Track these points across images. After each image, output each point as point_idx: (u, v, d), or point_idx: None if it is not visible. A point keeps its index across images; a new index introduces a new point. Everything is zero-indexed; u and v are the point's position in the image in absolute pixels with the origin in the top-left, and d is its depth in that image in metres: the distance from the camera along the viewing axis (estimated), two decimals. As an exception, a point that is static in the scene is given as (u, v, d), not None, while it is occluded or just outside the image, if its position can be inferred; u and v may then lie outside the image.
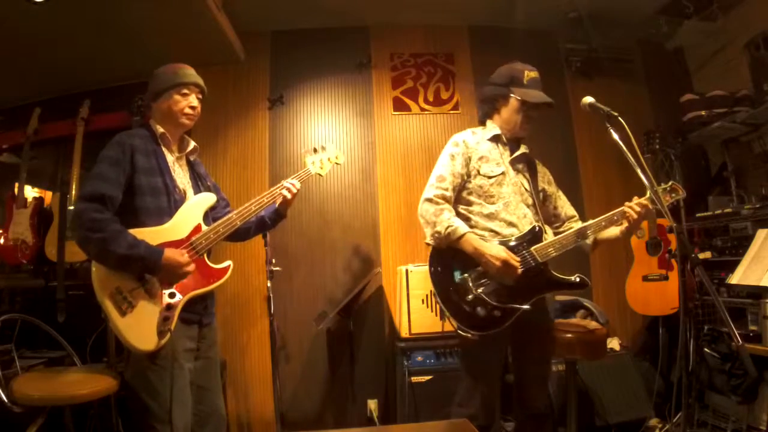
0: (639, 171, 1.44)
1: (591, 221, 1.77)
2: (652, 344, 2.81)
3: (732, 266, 2.38)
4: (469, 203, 1.80)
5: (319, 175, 1.96)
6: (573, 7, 3.05)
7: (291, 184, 1.80)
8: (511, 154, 1.85)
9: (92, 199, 1.43)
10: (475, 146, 1.83)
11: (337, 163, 2.02)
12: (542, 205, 1.89)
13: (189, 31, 2.67)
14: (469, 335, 1.63)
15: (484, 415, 1.66)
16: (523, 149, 1.87)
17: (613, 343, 2.71)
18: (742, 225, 2.55)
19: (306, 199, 3.05)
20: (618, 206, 1.67)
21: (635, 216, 1.69)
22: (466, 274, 1.68)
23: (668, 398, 2.50)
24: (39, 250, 2.80)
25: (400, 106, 3.23)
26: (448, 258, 1.71)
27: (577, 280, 1.72)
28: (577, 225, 1.89)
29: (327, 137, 3.17)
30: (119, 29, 2.60)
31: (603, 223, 1.75)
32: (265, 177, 3.09)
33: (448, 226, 1.67)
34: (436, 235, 1.69)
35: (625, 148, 1.47)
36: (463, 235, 1.66)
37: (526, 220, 1.78)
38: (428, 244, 1.75)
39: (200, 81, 1.69)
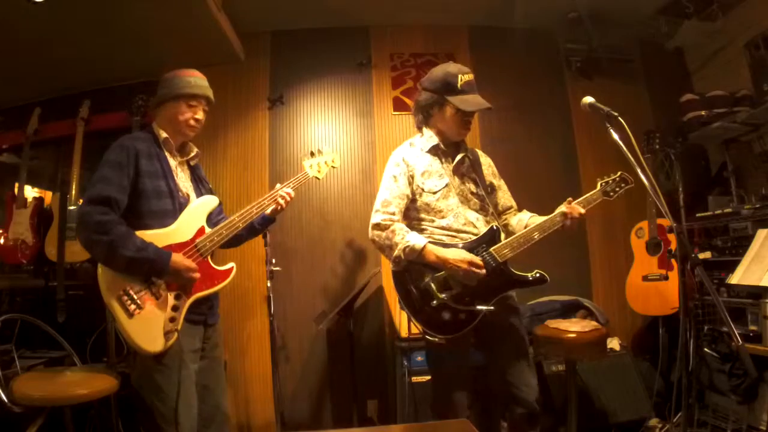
0: (639, 171, 1.45)
1: (537, 222, 1.76)
2: (652, 344, 2.80)
3: (732, 266, 2.38)
4: (421, 219, 1.82)
5: (317, 178, 1.97)
6: (573, 7, 3.05)
7: (287, 193, 1.81)
8: (452, 161, 1.85)
9: (97, 201, 1.43)
10: (416, 162, 1.82)
11: (333, 167, 2.02)
12: (491, 199, 1.90)
13: (189, 31, 2.67)
14: (437, 339, 1.66)
15: (453, 415, 1.69)
16: (461, 154, 1.86)
17: (613, 343, 2.71)
18: (742, 225, 2.55)
19: (306, 199, 3.05)
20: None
21: (576, 218, 1.72)
22: (428, 281, 1.69)
23: (668, 398, 2.50)
24: (39, 250, 2.80)
25: (400, 106, 3.23)
26: (410, 269, 1.72)
27: (537, 276, 1.73)
28: (513, 217, 1.93)
29: (327, 137, 3.17)
30: (119, 29, 2.60)
31: (548, 225, 1.74)
32: (265, 177, 3.09)
33: (405, 247, 1.67)
34: (396, 260, 1.70)
35: (625, 148, 1.47)
36: (423, 248, 1.66)
37: (479, 222, 1.81)
38: (395, 271, 1.75)
39: (209, 93, 1.70)
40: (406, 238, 1.68)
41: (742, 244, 2.47)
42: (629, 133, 1.48)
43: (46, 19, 2.42)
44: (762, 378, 2.18)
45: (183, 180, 1.68)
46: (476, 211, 1.83)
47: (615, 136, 1.50)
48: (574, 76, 3.32)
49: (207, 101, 1.70)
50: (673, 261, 2.62)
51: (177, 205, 1.59)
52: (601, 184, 1.81)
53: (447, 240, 1.76)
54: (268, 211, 1.82)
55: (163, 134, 1.64)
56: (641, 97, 3.37)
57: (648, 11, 3.11)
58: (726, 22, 3.00)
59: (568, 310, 2.70)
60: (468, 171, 1.88)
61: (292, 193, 1.84)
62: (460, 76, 1.77)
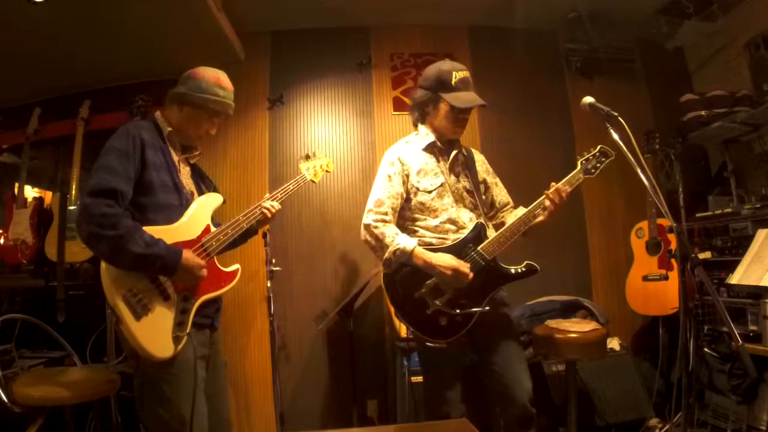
0: (639, 171, 1.44)
1: (517, 216, 1.74)
2: (652, 344, 2.80)
3: (732, 266, 2.38)
4: (415, 219, 1.80)
5: (313, 182, 1.95)
6: (573, 7, 3.06)
7: (270, 205, 1.73)
8: (448, 158, 1.84)
9: (101, 193, 1.31)
10: (411, 160, 1.81)
11: (327, 171, 2.01)
12: (483, 197, 1.90)
13: (189, 31, 2.66)
14: (437, 345, 1.67)
15: (453, 413, 1.69)
16: (455, 150, 1.85)
17: (613, 343, 2.70)
18: (742, 225, 2.54)
19: (306, 199, 3.05)
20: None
21: (557, 203, 1.70)
22: (422, 290, 1.68)
23: (668, 398, 2.50)
24: (39, 250, 2.80)
25: (400, 106, 3.23)
26: (402, 279, 1.71)
27: (526, 268, 1.72)
28: (510, 214, 1.91)
29: (327, 137, 3.17)
30: (119, 29, 2.59)
31: (531, 216, 1.72)
32: (265, 177, 3.09)
33: (395, 250, 1.67)
34: (387, 262, 1.69)
35: (625, 148, 1.47)
36: (411, 252, 1.66)
37: (471, 223, 1.79)
38: (387, 280, 1.75)
39: (232, 110, 1.68)
40: (397, 241, 1.68)
41: (742, 244, 2.47)
42: (629, 133, 1.48)
43: (46, 19, 2.42)
44: (762, 378, 2.18)
45: (186, 175, 1.62)
46: (471, 210, 1.83)
47: (615, 136, 1.50)
48: (574, 76, 3.32)
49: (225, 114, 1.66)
50: (673, 261, 2.62)
51: (183, 201, 1.51)
52: (581, 162, 1.77)
53: (436, 243, 1.75)
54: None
55: (168, 128, 1.57)
56: (641, 97, 3.37)
57: (648, 11, 3.10)
58: (726, 22, 3.00)
59: (568, 310, 2.69)
60: (463, 168, 1.87)
61: (278, 206, 1.75)
62: (454, 73, 1.77)
